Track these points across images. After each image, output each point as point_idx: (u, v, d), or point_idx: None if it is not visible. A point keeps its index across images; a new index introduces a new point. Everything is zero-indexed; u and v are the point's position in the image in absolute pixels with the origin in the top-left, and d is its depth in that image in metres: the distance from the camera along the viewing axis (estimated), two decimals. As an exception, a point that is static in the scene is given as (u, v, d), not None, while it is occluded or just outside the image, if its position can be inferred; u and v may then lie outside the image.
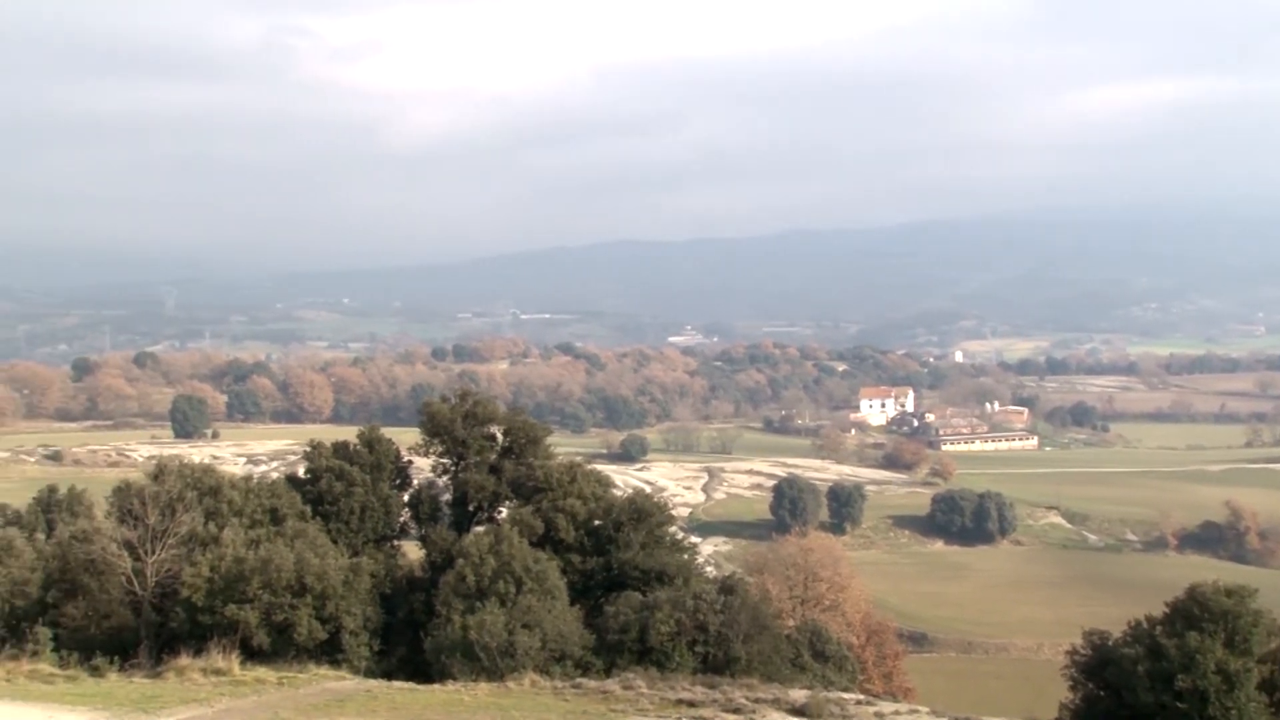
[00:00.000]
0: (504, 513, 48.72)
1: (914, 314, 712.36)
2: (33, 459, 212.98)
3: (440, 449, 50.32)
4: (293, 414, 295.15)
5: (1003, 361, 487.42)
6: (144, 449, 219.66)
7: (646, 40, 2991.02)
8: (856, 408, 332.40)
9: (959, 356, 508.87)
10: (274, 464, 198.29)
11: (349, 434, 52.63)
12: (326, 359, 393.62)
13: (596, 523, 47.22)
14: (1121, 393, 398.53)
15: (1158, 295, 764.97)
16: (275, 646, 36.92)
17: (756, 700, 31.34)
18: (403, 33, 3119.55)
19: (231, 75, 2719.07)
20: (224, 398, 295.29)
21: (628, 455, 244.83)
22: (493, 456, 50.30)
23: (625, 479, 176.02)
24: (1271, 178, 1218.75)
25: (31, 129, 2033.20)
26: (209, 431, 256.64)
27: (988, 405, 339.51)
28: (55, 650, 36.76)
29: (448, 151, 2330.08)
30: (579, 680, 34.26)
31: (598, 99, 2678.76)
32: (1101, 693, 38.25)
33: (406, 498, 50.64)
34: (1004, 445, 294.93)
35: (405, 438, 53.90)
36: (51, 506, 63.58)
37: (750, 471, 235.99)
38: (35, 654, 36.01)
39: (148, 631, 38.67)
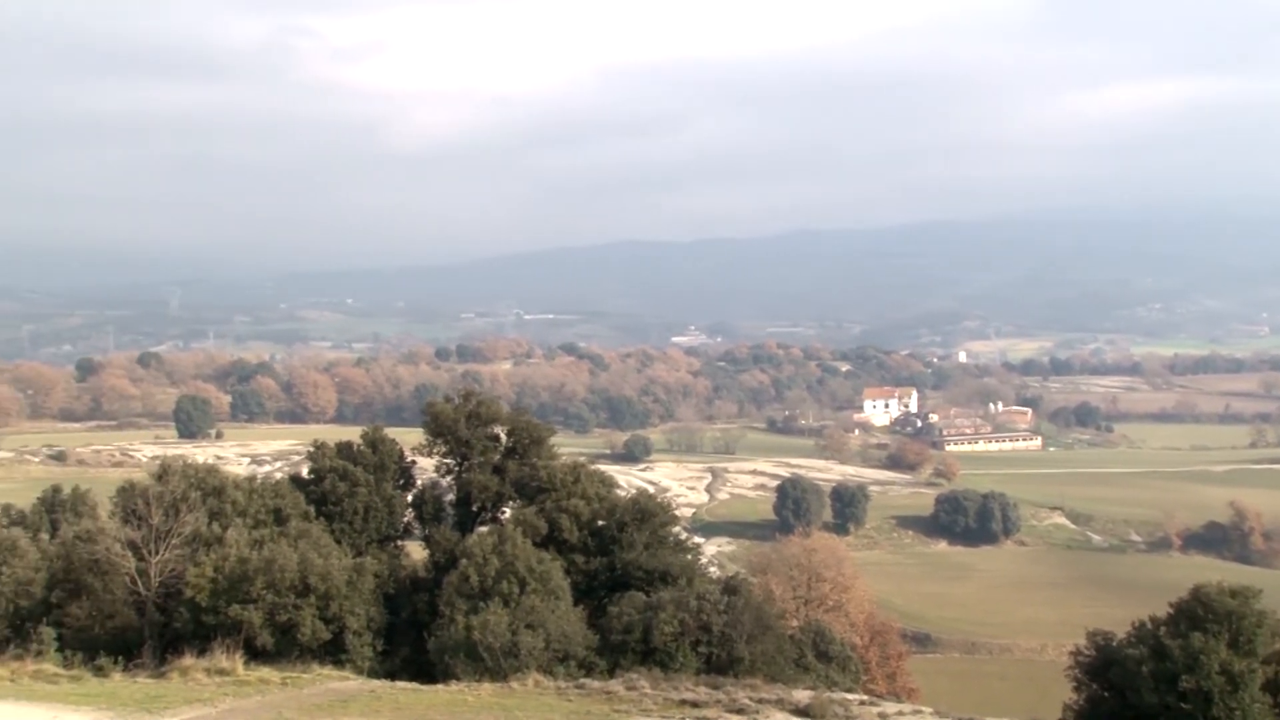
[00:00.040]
0: (507, 513, 48.79)
1: (918, 314, 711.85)
2: (37, 459, 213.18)
3: (444, 449, 50.37)
4: (296, 414, 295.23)
5: (1006, 362, 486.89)
6: (148, 449, 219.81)
7: (650, 41, 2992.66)
8: (860, 408, 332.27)
9: (962, 357, 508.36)
10: (278, 464, 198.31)
11: (353, 434, 52.70)
12: (330, 359, 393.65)
13: (600, 523, 47.25)
14: (1125, 393, 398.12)
15: (1162, 295, 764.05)
16: (279, 647, 36.96)
17: (760, 701, 31.34)
18: (405, 33, 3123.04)
19: (234, 75, 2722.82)
20: (228, 398, 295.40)
21: (631, 456, 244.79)
22: (496, 457, 50.33)
23: (629, 479, 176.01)
24: (1276, 178, 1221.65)
25: (35, 129, 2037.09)
26: (213, 432, 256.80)
27: (991, 406, 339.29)
28: (59, 650, 36.81)
29: (451, 152, 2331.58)
30: (583, 681, 34.28)
31: (601, 99, 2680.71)
32: (1105, 693, 38.23)
33: (410, 498, 50.71)
34: (1008, 446, 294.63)
35: (409, 438, 53.96)
36: (56, 507, 63.60)
37: (754, 472, 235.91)
38: (40, 654, 36.08)
39: (152, 631, 38.71)
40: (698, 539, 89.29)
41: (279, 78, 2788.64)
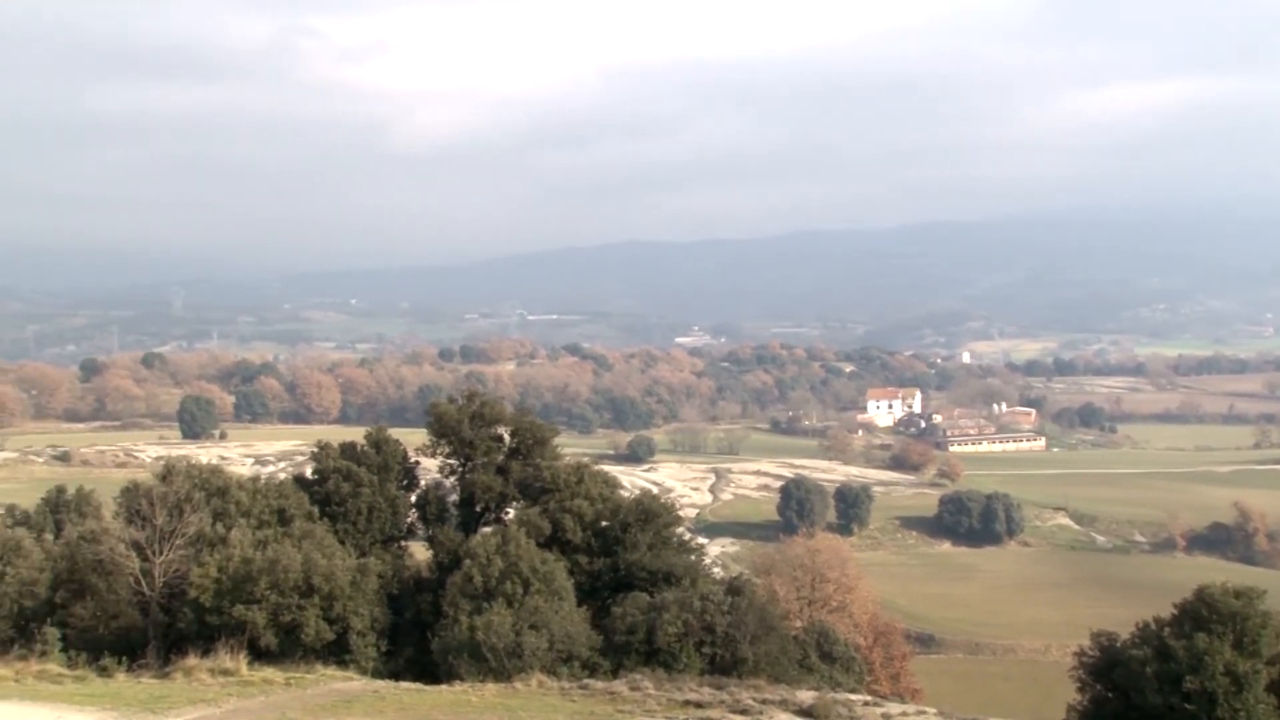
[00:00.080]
0: (511, 513, 48.79)
1: (921, 315, 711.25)
2: (41, 459, 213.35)
3: (447, 450, 50.39)
4: (300, 415, 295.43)
5: (1010, 362, 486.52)
6: (152, 449, 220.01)
7: (654, 41, 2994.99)
8: (864, 409, 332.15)
9: (966, 357, 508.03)
10: (281, 465, 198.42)
11: (356, 435, 52.75)
12: (334, 360, 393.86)
13: (604, 524, 47.25)
14: (1129, 394, 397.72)
15: (1166, 296, 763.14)
16: (283, 647, 36.97)
17: (764, 701, 31.33)
18: (410, 34, 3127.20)
19: (238, 75, 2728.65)
20: (231, 398, 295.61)
21: (635, 456, 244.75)
22: (500, 457, 50.35)
23: (632, 480, 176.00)
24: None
25: (38, 129, 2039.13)
26: (217, 432, 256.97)
27: (995, 406, 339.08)
28: (63, 650, 36.84)
29: (455, 152, 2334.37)
30: (586, 681, 34.27)
31: (605, 100, 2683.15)
32: (1109, 694, 38.19)
33: (414, 498, 50.73)
34: (1011, 446, 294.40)
35: (412, 438, 54.00)
36: (60, 507, 63.73)
37: (757, 472, 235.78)
38: (44, 654, 36.10)
39: (155, 632, 38.74)
40: (701, 540, 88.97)
41: (283, 78, 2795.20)
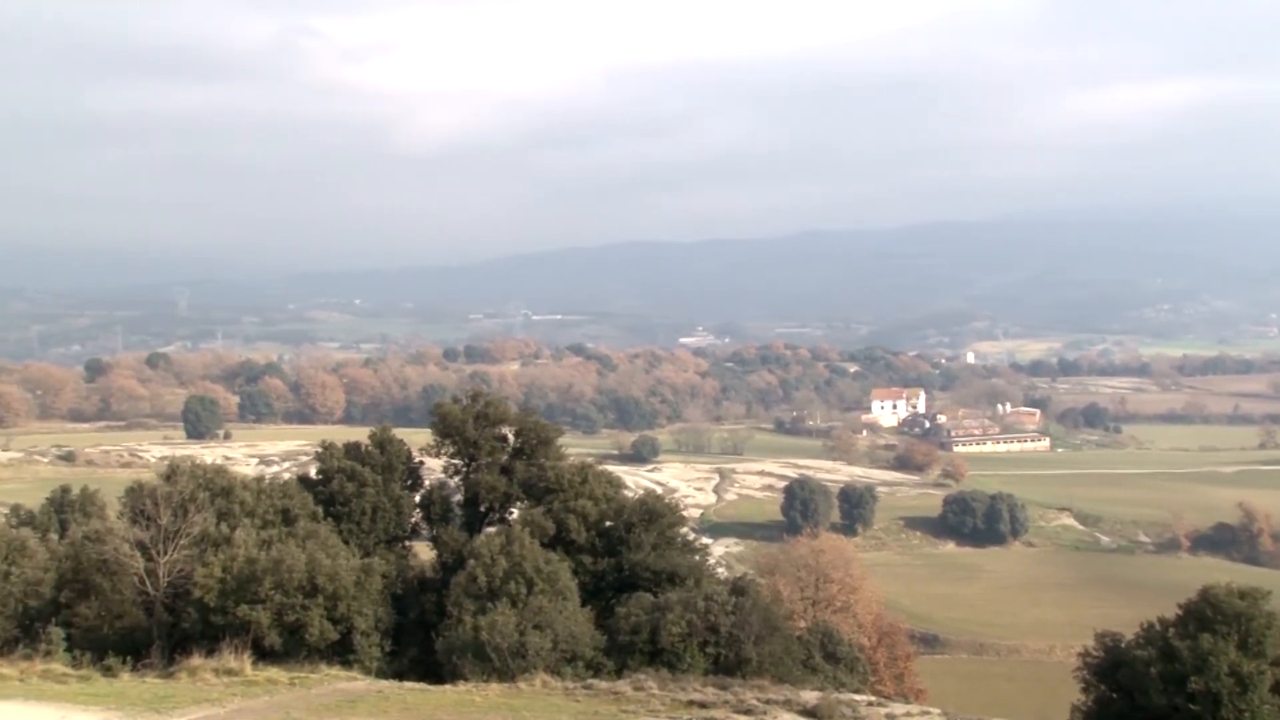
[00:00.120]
0: (515, 514, 48.72)
1: (925, 315, 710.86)
2: (46, 459, 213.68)
3: (452, 450, 50.35)
4: (304, 415, 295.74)
5: (1015, 363, 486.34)
6: (156, 449, 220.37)
7: (658, 42, 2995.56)
8: (868, 409, 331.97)
9: (971, 358, 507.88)
10: (286, 465, 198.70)
11: (361, 435, 52.72)
12: (338, 360, 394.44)
13: (608, 524, 47.19)
14: (1134, 394, 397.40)
15: (1170, 296, 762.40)
16: (287, 647, 36.97)
17: (768, 702, 31.32)
18: (412, 34, 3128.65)
19: (241, 76, 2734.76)
20: (236, 398, 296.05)
21: (639, 456, 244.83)
22: (504, 457, 50.32)
23: (636, 480, 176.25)
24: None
25: (44, 130, 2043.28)
26: (221, 432, 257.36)
27: (999, 406, 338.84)
28: (68, 650, 36.86)
29: (459, 152, 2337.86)
30: (590, 681, 34.26)
31: (609, 100, 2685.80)
32: (1114, 695, 38.10)
33: (418, 498, 50.68)
34: (1016, 446, 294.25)
35: (417, 438, 53.98)
36: (64, 507, 63.78)
37: (761, 473, 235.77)
38: (48, 654, 36.11)
39: (160, 632, 38.76)
40: (705, 540, 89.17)
41: (286, 78, 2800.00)
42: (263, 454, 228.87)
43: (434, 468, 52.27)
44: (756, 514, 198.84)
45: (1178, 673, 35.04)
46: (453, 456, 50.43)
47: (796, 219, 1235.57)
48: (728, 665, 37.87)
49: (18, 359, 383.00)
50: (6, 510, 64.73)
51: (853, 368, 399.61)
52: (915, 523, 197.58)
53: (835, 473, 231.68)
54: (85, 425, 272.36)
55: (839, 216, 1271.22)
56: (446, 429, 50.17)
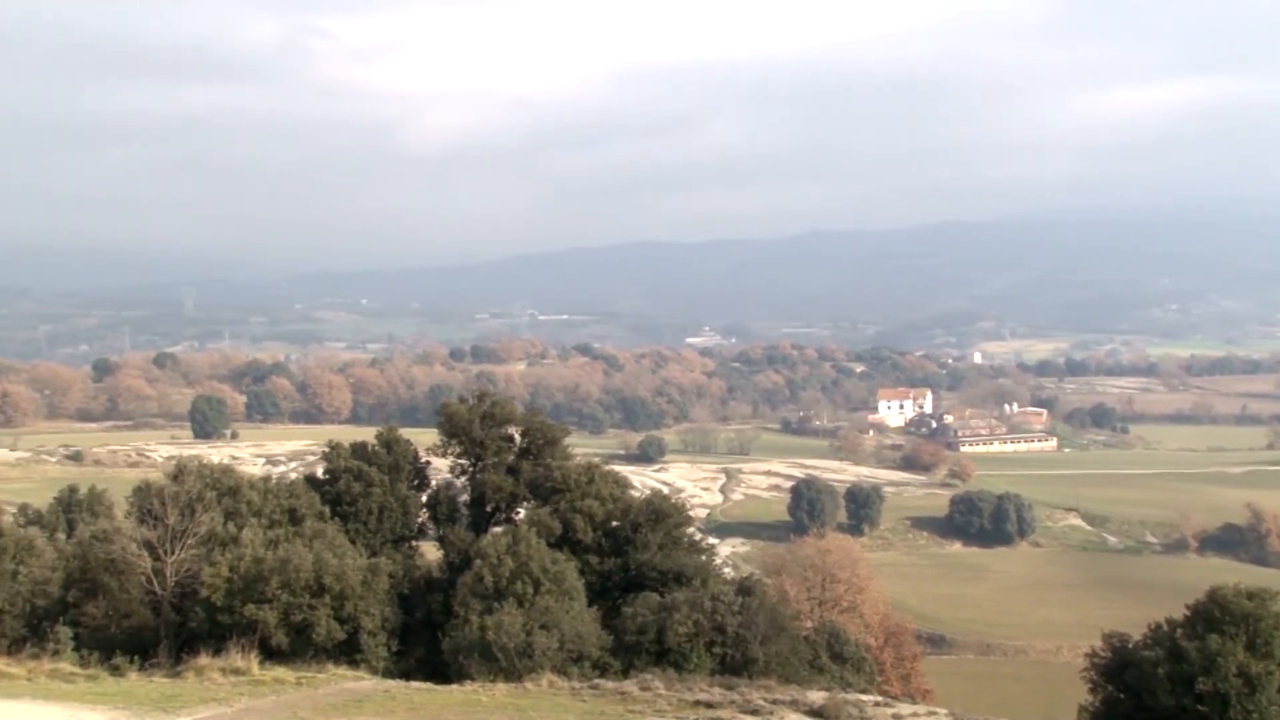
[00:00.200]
0: (522, 513, 48.77)
1: (932, 315, 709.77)
2: (54, 459, 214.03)
3: (458, 450, 50.41)
4: (311, 415, 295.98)
5: (1022, 363, 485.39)
6: (164, 449, 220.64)
7: (663, 42, 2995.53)
8: (874, 409, 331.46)
9: (977, 358, 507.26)
10: (292, 464, 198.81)
11: (367, 435, 52.80)
12: (345, 360, 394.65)
13: (614, 524, 47.24)
14: (1141, 394, 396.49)
15: (1178, 296, 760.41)
16: (294, 646, 37.03)
17: (774, 702, 31.30)
18: (420, 34, 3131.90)
19: (249, 76, 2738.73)
20: (243, 398, 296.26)
21: (645, 456, 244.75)
22: (510, 457, 50.37)
23: (643, 480, 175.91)
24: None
25: (49, 132, 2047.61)
26: (228, 432, 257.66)
27: (1006, 406, 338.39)
28: (76, 649, 36.95)
29: (465, 153, 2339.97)
30: (597, 681, 34.26)
31: (615, 101, 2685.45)
32: (1121, 695, 38.08)
33: (424, 498, 50.76)
34: (1023, 447, 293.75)
35: (423, 438, 54.01)
36: (72, 506, 64.01)
37: (768, 473, 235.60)
38: (56, 653, 36.21)
39: (167, 631, 38.84)
40: (712, 540, 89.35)
41: (294, 79, 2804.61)
42: (270, 454, 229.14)
43: (440, 468, 52.33)
44: (763, 514, 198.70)
45: (1185, 673, 35.00)
46: (459, 456, 50.50)
47: (802, 219, 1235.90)
48: (734, 665, 37.85)
49: (25, 359, 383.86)
50: (14, 510, 64.92)
51: (859, 368, 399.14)
52: (922, 523, 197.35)
53: (842, 473, 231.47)
54: (93, 425, 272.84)
55: (844, 217, 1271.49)
56: (453, 429, 50.21)
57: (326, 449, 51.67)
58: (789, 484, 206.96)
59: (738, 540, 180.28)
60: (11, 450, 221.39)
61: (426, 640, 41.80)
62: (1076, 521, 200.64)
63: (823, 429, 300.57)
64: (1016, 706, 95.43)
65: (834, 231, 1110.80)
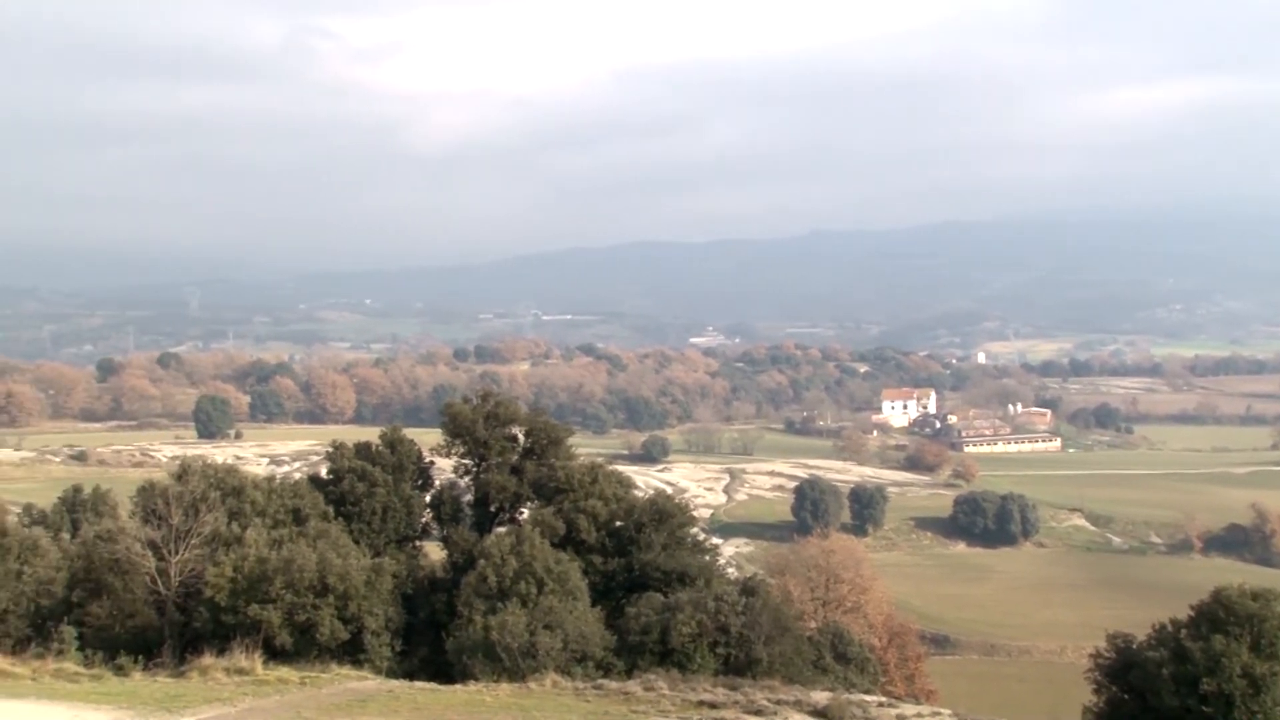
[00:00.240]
0: (525, 514, 48.82)
1: (936, 315, 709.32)
2: (58, 459, 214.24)
3: (462, 450, 50.42)
4: (315, 415, 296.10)
5: (1026, 363, 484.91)
6: (168, 449, 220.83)
7: (666, 42, 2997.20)
8: (878, 409, 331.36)
9: (981, 358, 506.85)
10: (296, 464, 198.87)
11: (371, 435, 52.84)
12: (349, 360, 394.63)
13: (618, 524, 47.23)
14: (1146, 394, 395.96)
15: (1182, 296, 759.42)
16: (298, 646, 37.05)
17: (778, 702, 31.29)
18: (424, 34, 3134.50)
19: (253, 76, 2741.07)
20: (247, 398, 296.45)
21: (649, 456, 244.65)
22: (514, 457, 50.37)
23: (646, 480, 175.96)
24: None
25: (55, 132, 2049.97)
26: (232, 432, 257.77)
27: (1010, 407, 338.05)
28: (80, 649, 36.98)
29: (469, 153, 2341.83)
30: (600, 681, 34.26)
31: (618, 101, 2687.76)
32: (1125, 696, 38.05)
33: (428, 498, 50.78)
34: (1027, 447, 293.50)
35: (427, 439, 54.04)
36: (76, 506, 64.15)
37: (772, 473, 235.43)
38: (60, 653, 36.23)
39: (171, 631, 38.86)
40: (715, 540, 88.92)
41: (298, 79, 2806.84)
42: (274, 454, 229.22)
43: (444, 468, 52.35)
44: (767, 514, 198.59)
45: (1190, 674, 34.97)
46: (463, 456, 50.51)
47: (805, 219, 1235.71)
48: (738, 666, 37.85)
49: (30, 359, 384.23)
50: (19, 510, 65.00)
51: (863, 368, 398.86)
52: (926, 523, 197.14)
53: (846, 473, 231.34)
54: (97, 425, 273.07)
55: (846, 216, 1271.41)
56: (457, 429, 50.22)
57: (330, 449, 51.73)
58: (793, 484, 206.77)
59: (741, 540, 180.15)
60: (16, 450, 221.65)
61: (430, 640, 41.80)
62: (1081, 522, 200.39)
63: (826, 429, 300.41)
64: (1021, 707, 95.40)
65: (836, 231, 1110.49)
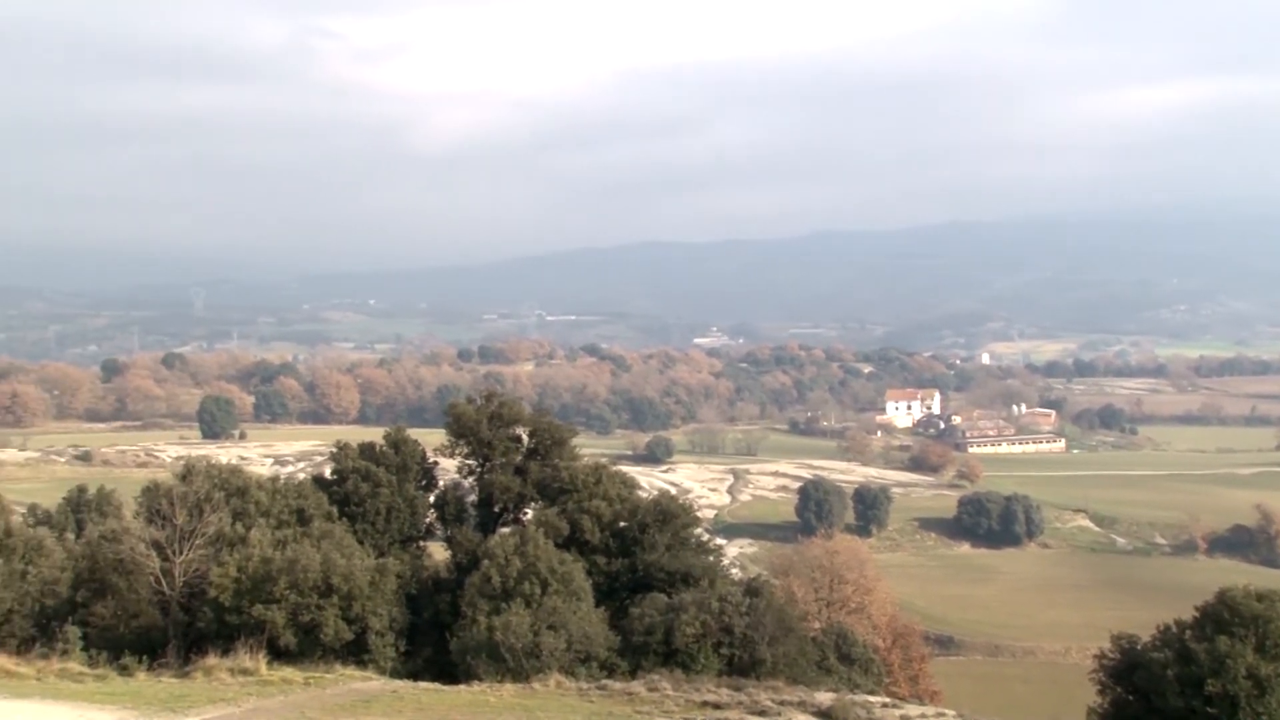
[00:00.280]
0: (529, 514, 48.78)
1: (940, 316, 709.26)
2: (63, 459, 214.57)
3: (466, 450, 50.41)
4: (319, 415, 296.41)
5: (1030, 364, 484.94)
6: (172, 449, 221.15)
7: (670, 43, 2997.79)
8: (882, 410, 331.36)
9: (986, 358, 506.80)
10: (301, 465, 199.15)
11: (375, 435, 52.85)
12: (353, 360, 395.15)
13: (622, 524, 47.20)
14: (1150, 395, 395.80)
15: (1187, 297, 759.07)
16: (302, 647, 37.04)
17: (782, 703, 31.25)
18: (427, 35, 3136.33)
19: (257, 77, 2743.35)
20: (251, 399, 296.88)
21: (653, 457, 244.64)
22: (518, 458, 50.36)
23: (650, 480, 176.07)
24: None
25: (61, 132, 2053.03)
26: (236, 432, 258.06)
27: (1015, 407, 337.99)
28: (84, 649, 36.98)
29: (473, 153, 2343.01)
30: (604, 682, 34.23)
31: (622, 101, 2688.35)
32: (1130, 697, 37.96)
33: (432, 499, 50.76)
34: (1031, 447, 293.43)
35: (431, 439, 54.08)
36: (81, 506, 64.23)
37: (776, 473, 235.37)
38: (65, 653, 36.23)
39: (176, 631, 38.88)
40: (719, 540, 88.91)
41: (301, 79, 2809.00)
42: (278, 454, 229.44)
43: (448, 468, 52.35)
44: (771, 515, 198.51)
45: (1195, 675, 34.89)
46: (467, 457, 50.50)
47: (809, 220, 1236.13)
48: (742, 666, 37.81)
49: (35, 359, 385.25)
50: (24, 510, 65.05)
51: (867, 368, 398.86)
52: (930, 524, 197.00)
53: (850, 473, 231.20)
54: (101, 425, 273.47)
55: (853, 217, 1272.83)
56: (461, 429, 50.23)
57: (334, 449, 51.74)
58: (796, 485, 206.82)
59: (745, 541, 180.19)
60: (21, 450, 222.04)
61: (434, 640, 41.77)
62: (1085, 523, 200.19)
63: (830, 430, 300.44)
64: (1025, 708, 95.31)
65: (840, 232, 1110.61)
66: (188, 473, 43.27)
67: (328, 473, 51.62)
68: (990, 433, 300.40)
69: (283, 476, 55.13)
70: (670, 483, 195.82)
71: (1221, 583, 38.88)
